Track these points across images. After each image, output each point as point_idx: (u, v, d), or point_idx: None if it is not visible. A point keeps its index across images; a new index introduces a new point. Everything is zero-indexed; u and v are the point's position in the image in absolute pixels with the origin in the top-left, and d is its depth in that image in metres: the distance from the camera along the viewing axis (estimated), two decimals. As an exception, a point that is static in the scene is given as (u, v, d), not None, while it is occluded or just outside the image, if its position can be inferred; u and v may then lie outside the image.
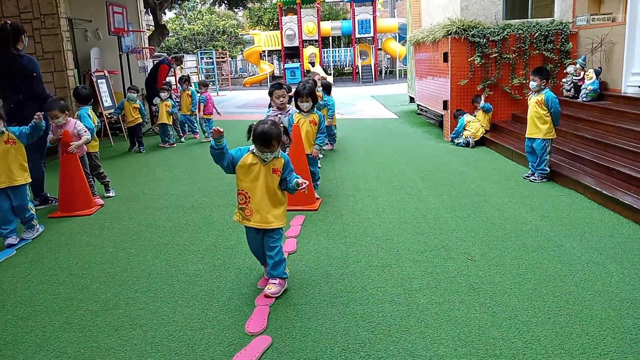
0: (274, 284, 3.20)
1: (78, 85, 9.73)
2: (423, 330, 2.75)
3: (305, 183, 3.12)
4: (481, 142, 7.89)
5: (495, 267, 3.49)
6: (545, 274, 3.36)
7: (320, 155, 6.54)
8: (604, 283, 3.19)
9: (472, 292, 3.14)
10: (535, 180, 5.63)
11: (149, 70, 11.27)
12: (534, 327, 2.72)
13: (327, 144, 7.19)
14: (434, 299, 3.08)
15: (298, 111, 5.14)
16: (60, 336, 2.84)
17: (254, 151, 3.09)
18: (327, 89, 7.88)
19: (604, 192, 4.73)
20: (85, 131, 5.16)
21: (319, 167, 6.38)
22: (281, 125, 3.14)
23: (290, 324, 2.86)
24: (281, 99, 5.18)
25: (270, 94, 5.29)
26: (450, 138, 8.21)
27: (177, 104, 9.81)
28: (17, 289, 3.49)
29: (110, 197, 5.72)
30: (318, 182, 5.47)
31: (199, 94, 9.84)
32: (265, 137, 2.99)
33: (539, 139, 5.51)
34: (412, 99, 12.75)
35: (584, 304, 2.95)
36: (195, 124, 10.06)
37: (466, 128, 7.87)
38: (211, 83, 25.36)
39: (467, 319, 2.84)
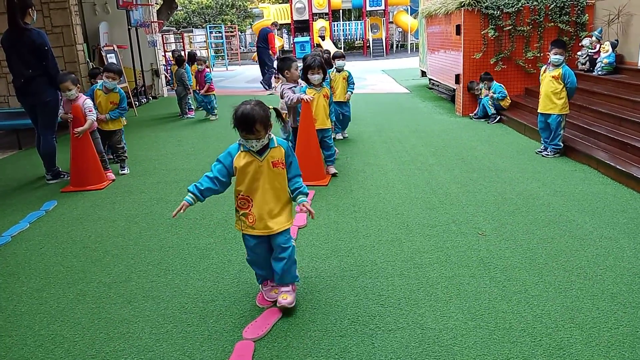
0: (288, 291, 2.77)
1: (88, 60, 9.76)
2: (433, 303, 2.75)
3: (310, 210, 2.65)
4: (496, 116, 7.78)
5: (506, 242, 3.47)
6: (556, 248, 3.34)
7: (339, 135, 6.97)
8: (615, 258, 3.17)
9: (482, 267, 3.14)
10: (548, 155, 5.56)
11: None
12: (545, 301, 2.72)
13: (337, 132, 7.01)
14: (444, 273, 3.08)
15: (308, 86, 5.06)
16: (75, 307, 2.89)
17: (243, 145, 2.62)
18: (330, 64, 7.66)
19: (617, 166, 4.66)
20: (91, 110, 5.15)
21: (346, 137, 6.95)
22: (271, 108, 2.67)
23: (300, 297, 2.88)
24: (298, 70, 5.15)
25: (288, 68, 5.16)
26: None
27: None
28: (31, 261, 3.54)
29: (124, 174, 5.71)
30: (335, 157, 5.40)
31: (203, 71, 9.22)
32: (247, 120, 2.51)
33: (554, 114, 5.41)
34: (423, 73, 12.59)
35: (595, 278, 2.94)
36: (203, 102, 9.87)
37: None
38: (220, 57, 25.21)
39: (477, 292, 2.84)
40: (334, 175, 5.20)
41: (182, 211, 2.60)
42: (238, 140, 2.65)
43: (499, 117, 7.67)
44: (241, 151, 2.63)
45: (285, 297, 2.74)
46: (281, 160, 2.67)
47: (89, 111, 5.14)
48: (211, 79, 9.19)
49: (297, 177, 2.75)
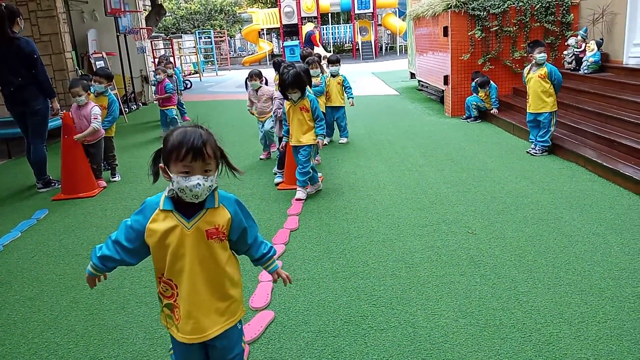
0: None
1: (76, 67, 9.73)
2: (424, 302, 2.79)
3: (285, 278, 2.00)
4: (483, 116, 7.86)
5: (495, 240, 3.52)
6: (545, 245, 3.39)
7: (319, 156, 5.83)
8: (603, 254, 3.22)
9: (472, 265, 3.18)
10: (536, 153, 5.62)
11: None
12: (534, 298, 2.76)
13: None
14: (435, 272, 3.11)
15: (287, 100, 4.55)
16: (68, 314, 2.90)
17: (166, 206, 1.74)
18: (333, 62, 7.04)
19: (604, 164, 4.73)
20: (95, 118, 5.15)
21: (317, 162, 5.58)
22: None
23: (293, 299, 2.91)
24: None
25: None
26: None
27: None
28: (23, 270, 3.54)
29: (115, 181, 5.70)
30: (306, 180, 4.61)
31: (162, 82, 7.96)
32: (193, 139, 1.64)
33: (546, 112, 5.50)
34: (412, 75, 12.66)
35: (583, 274, 2.98)
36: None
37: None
38: (210, 63, 25.17)
39: (467, 290, 2.88)
40: (297, 200, 4.51)
41: (93, 285, 1.90)
42: (166, 190, 1.78)
43: (479, 119, 7.91)
44: (160, 210, 1.74)
45: None
46: (223, 229, 1.76)
47: (94, 118, 5.16)
48: (172, 91, 8.01)
49: (259, 241, 1.97)
